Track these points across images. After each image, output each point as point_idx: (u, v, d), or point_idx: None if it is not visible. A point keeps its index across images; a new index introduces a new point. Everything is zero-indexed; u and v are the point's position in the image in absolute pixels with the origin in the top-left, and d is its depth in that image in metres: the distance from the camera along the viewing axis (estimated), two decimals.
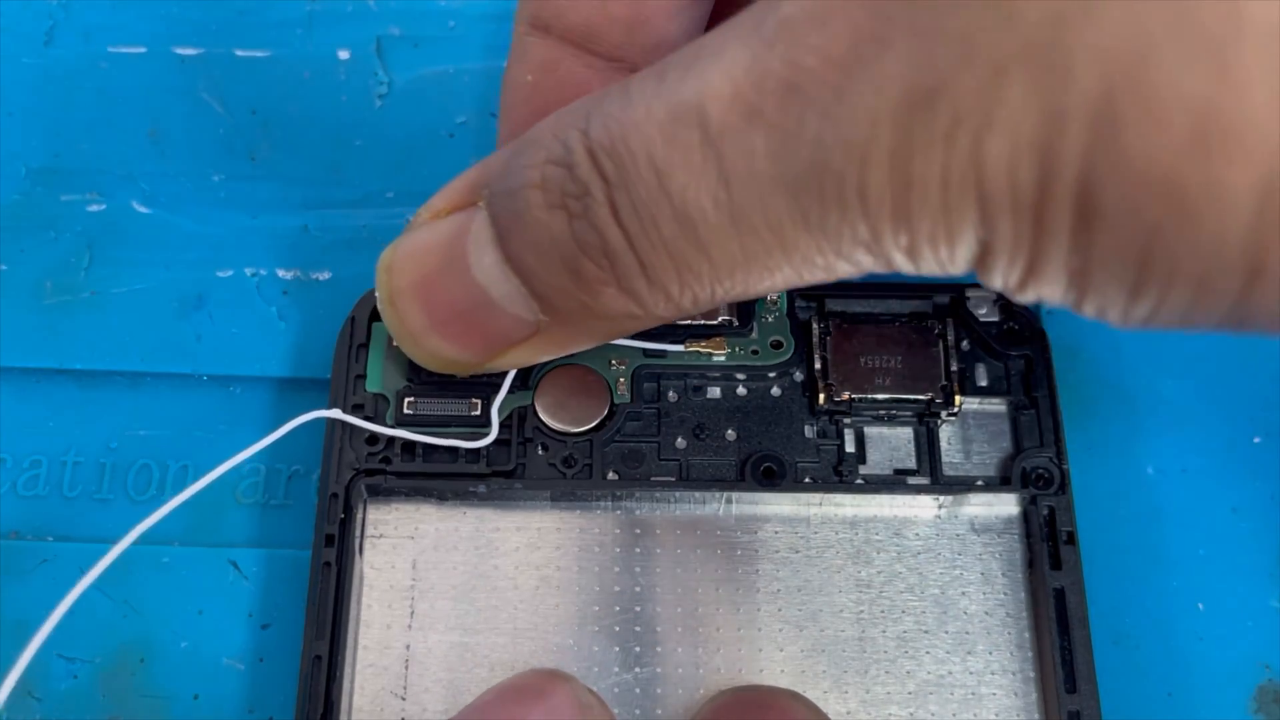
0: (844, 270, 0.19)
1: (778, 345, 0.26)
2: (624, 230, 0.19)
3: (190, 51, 0.30)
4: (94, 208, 0.29)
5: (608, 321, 0.21)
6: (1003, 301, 0.26)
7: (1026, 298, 0.18)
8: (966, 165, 0.16)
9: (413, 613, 0.25)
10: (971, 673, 0.24)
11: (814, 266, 0.19)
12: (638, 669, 0.24)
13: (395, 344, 0.25)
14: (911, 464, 0.26)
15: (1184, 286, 0.16)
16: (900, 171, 0.17)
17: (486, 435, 0.25)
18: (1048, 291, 0.18)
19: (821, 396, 0.25)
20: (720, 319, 0.26)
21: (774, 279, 0.19)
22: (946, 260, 0.18)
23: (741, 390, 0.26)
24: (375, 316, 0.26)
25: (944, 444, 0.26)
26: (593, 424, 0.25)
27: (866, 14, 0.17)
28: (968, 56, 0.16)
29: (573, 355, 0.26)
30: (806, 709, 0.23)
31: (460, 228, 0.22)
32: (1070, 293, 0.17)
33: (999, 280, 0.18)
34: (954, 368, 0.25)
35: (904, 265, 0.18)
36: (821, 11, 0.17)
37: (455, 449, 0.25)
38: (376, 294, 0.23)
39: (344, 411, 0.25)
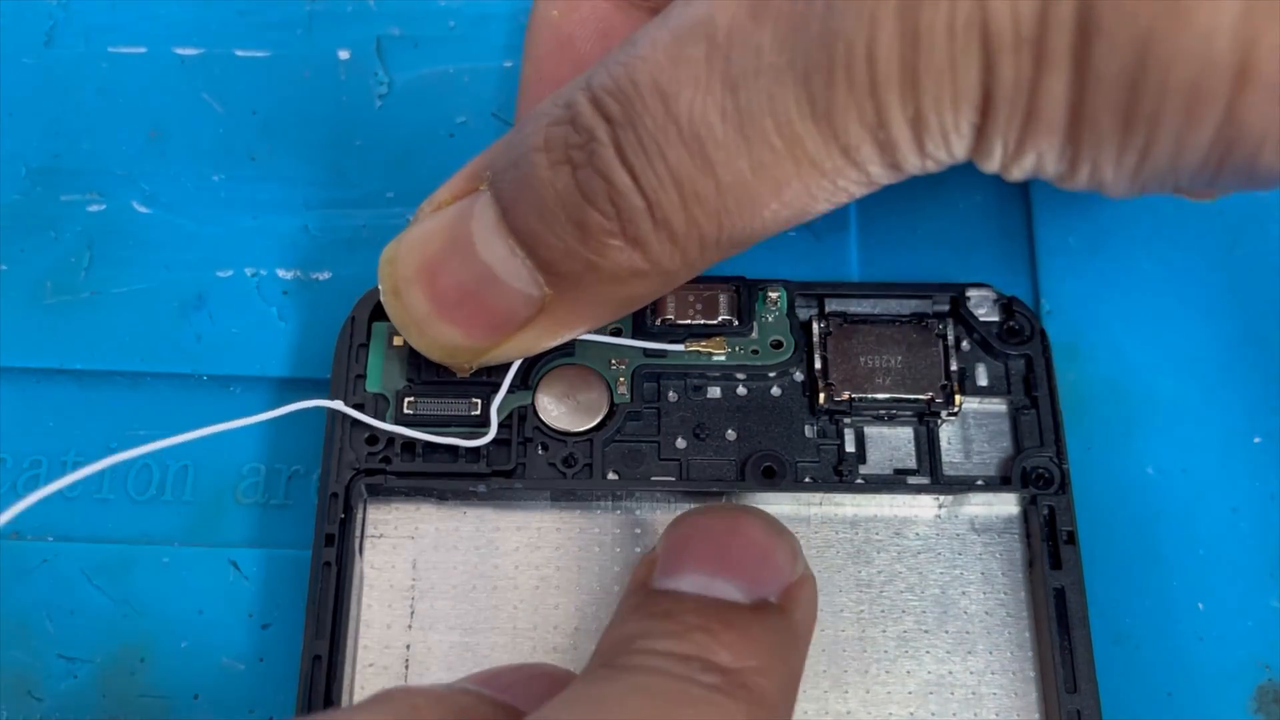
0: (850, 181, 0.19)
1: (778, 345, 0.26)
2: (629, 168, 0.19)
3: (190, 51, 0.30)
4: (94, 208, 0.29)
5: (613, 284, 0.21)
6: (1003, 301, 0.26)
7: (1023, 166, 0.18)
8: (972, 6, 0.17)
9: (413, 613, 0.25)
10: (972, 672, 0.24)
11: (820, 174, 0.19)
12: None
13: (400, 337, 0.25)
14: (912, 464, 0.25)
15: (1176, 101, 0.17)
16: (908, 25, 0.17)
17: (486, 434, 0.25)
18: (1045, 147, 0.18)
19: (822, 396, 0.25)
20: (720, 318, 0.26)
21: (781, 199, 0.19)
22: (950, 128, 0.18)
23: (741, 390, 0.26)
24: (375, 316, 0.26)
25: (944, 444, 0.26)
26: (593, 424, 0.25)
27: None
28: None
29: (572, 356, 0.26)
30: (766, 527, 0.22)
31: (463, 212, 0.22)
32: (1066, 146, 0.18)
33: (997, 148, 0.18)
34: (954, 368, 0.25)
35: (908, 152, 0.18)
36: None
37: (455, 449, 0.25)
38: (380, 287, 0.23)
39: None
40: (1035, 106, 0.17)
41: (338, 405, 0.25)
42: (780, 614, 0.20)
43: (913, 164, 0.19)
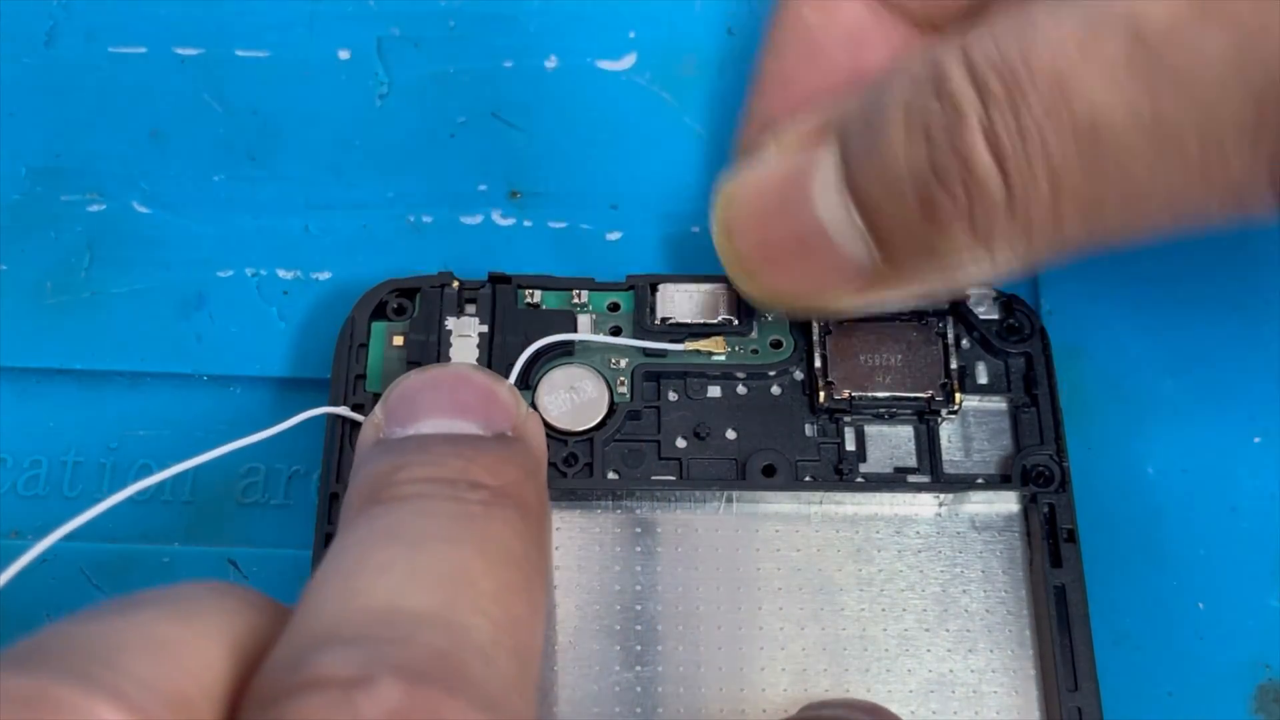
0: (1262, 209, 0.18)
1: (777, 344, 0.26)
2: (997, 151, 0.18)
3: (190, 51, 0.30)
4: (94, 208, 0.29)
5: (945, 269, 0.20)
6: (1003, 299, 0.26)
7: None
8: None
9: None
10: (972, 671, 0.24)
11: (1234, 199, 0.18)
12: (638, 668, 0.24)
13: (400, 337, 0.26)
14: (912, 462, 0.26)
15: None
16: None
17: None
18: None
19: (821, 395, 0.25)
20: (720, 318, 0.26)
21: (1172, 213, 0.18)
22: None
23: (741, 389, 0.26)
24: (375, 316, 0.26)
25: (944, 442, 0.26)
26: (593, 423, 0.25)
27: None
28: None
29: (573, 356, 0.26)
30: None
31: (806, 163, 0.21)
32: None
33: None
34: (954, 366, 0.25)
35: None
36: None
37: None
38: (712, 224, 0.23)
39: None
40: None
41: (344, 411, 0.25)
42: (520, 442, 0.20)
43: None
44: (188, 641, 0.16)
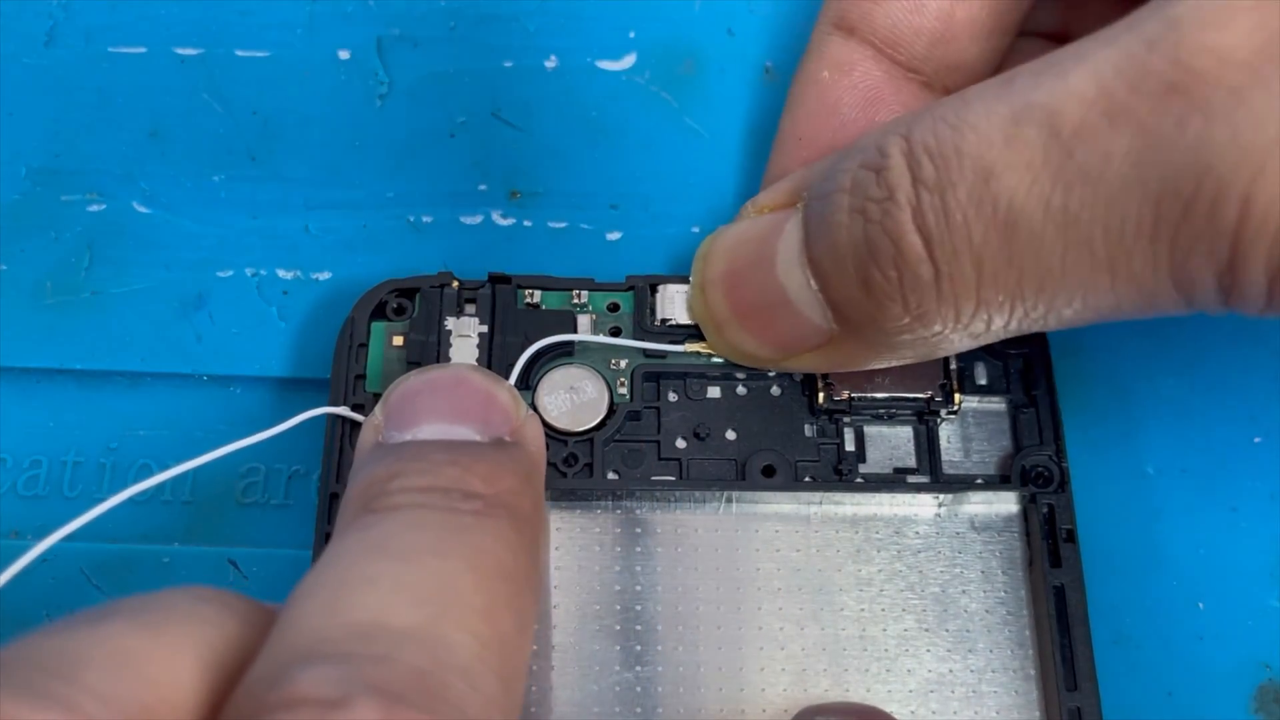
0: (1168, 305, 0.18)
1: None
2: (925, 235, 0.19)
3: (190, 51, 0.30)
4: (94, 208, 0.29)
5: (892, 342, 0.21)
6: None
7: None
8: None
9: None
10: (972, 671, 0.24)
11: (1137, 292, 0.18)
12: (638, 668, 0.24)
13: (400, 337, 0.26)
14: (911, 462, 0.26)
15: None
16: None
17: None
18: None
19: (821, 396, 0.25)
20: None
21: (1084, 303, 0.19)
22: None
23: (741, 390, 0.26)
24: (375, 316, 0.26)
25: (944, 442, 0.26)
26: (593, 423, 0.25)
27: None
28: None
29: (573, 356, 0.26)
30: None
31: (774, 227, 0.22)
32: None
33: None
34: (953, 366, 0.25)
35: (1256, 298, 0.18)
36: (1222, 14, 0.16)
37: None
38: (690, 279, 0.25)
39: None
40: None
41: (344, 411, 0.25)
42: (517, 447, 0.21)
43: (1253, 309, 0.18)
44: (153, 654, 0.16)
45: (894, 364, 0.23)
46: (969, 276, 0.19)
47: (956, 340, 0.21)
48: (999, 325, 0.20)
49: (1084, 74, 0.18)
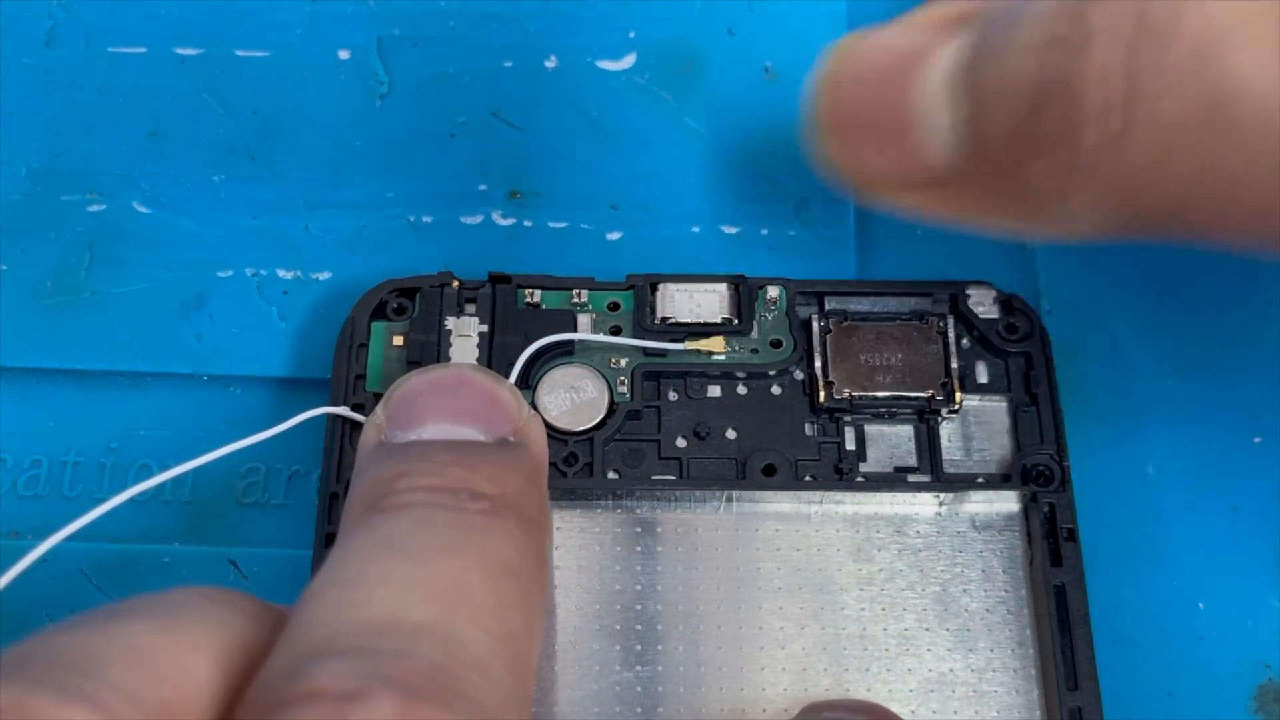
0: None
1: (777, 344, 0.26)
2: (1107, 99, 0.17)
3: (190, 51, 0.30)
4: (94, 208, 0.29)
5: (1018, 199, 0.19)
6: (1003, 298, 0.26)
7: None
8: None
9: None
10: (973, 670, 0.24)
11: None
12: (638, 668, 0.24)
13: (400, 337, 0.26)
14: (912, 461, 0.26)
15: None
16: None
17: None
18: None
19: (822, 395, 0.25)
20: (720, 318, 0.26)
21: (1260, 224, 0.17)
22: None
23: (741, 389, 0.26)
24: (375, 316, 0.26)
25: (944, 441, 0.26)
26: (593, 423, 0.25)
27: None
28: None
29: (573, 356, 0.26)
30: None
31: (929, 45, 0.20)
32: None
33: None
34: (954, 365, 0.25)
35: None
36: None
37: None
38: (815, 77, 0.22)
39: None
40: None
41: (344, 411, 0.25)
42: (521, 447, 0.21)
43: None
44: (171, 651, 0.16)
45: (988, 225, 0.21)
46: (1160, 142, 0.17)
47: (1082, 224, 0.19)
48: (1154, 219, 0.18)
49: None
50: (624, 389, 0.26)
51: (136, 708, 0.14)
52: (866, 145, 0.22)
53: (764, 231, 0.29)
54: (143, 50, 0.30)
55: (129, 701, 0.14)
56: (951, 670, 0.24)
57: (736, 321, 0.26)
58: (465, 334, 0.26)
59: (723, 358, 0.26)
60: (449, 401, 0.21)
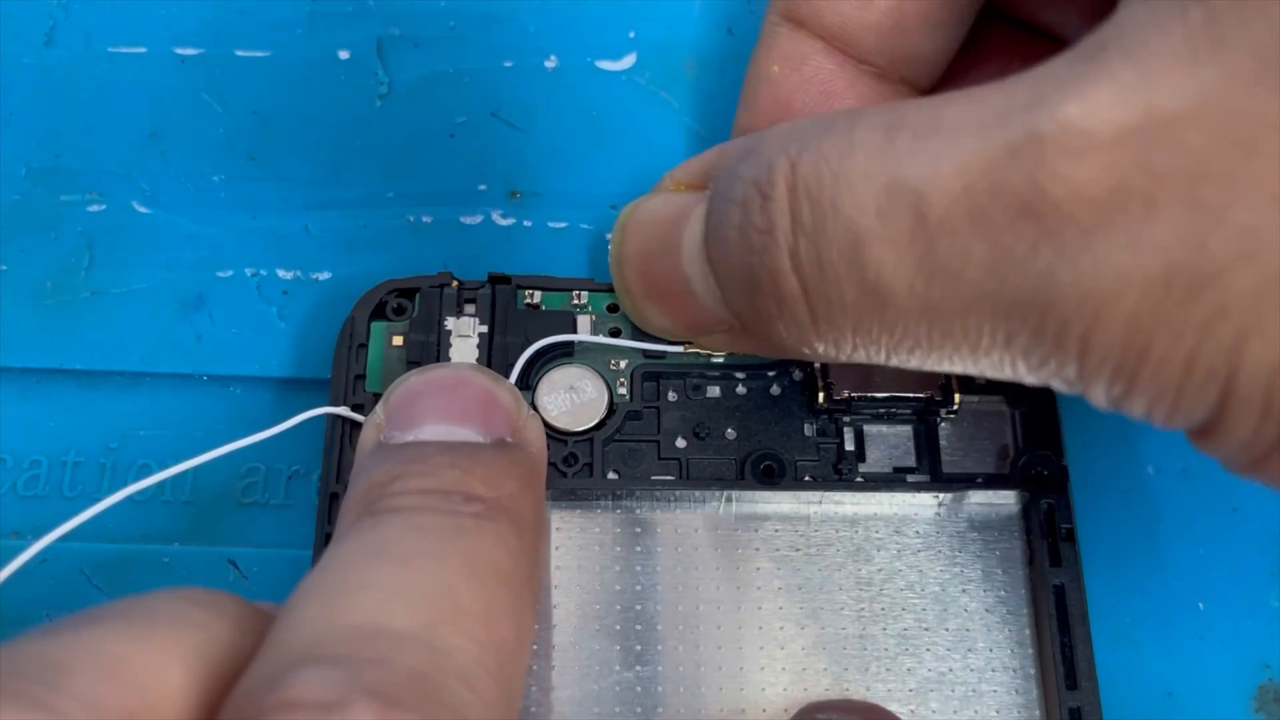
0: (1028, 381, 0.18)
1: None
2: (801, 281, 0.19)
3: (190, 51, 0.30)
4: (94, 208, 0.29)
5: (779, 348, 0.21)
6: None
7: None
8: (1219, 359, 0.16)
9: None
10: (972, 670, 0.24)
11: (998, 371, 0.18)
12: (638, 667, 0.24)
13: (400, 337, 0.26)
14: (911, 462, 0.26)
15: None
16: (1136, 340, 0.16)
17: None
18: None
19: (821, 395, 0.25)
20: None
21: (951, 366, 0.19)
22: (1158, 419, 0.17)
23: (741, 389, 0.26)
24: (375, 316, 0.26)
25: (943, 442, 0.26)
26: (593, 423, 0.25)
27: (1135, 167, 0.16)
28: (1250, 254, 0.15)
29: (572, 356, 0.26)
30: None
31: (683, 211, 0.22)
32: None
33: (1223, 449, 0.17)
34: None
35: (1102, 405, 0.18)
36: (1080, 146, 0.16)
37: None
38: (609, 248, 0.25)
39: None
40: (1269, 452, 0.17)
41: (343, 411, 0.25)
42: (519, 448, 0.21)
43: (1104, 409, 0.18)
44: (141, 658, 0.15)
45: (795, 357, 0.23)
46: (843, 326, 0.19)
47: (847, 358, 0.21)
48: (880, 359, 0.20)
49: (953, 163, 0.17)
50: (624, 390, 0.26)
51: (96, 716, 0.14)
52: (657, 307, 0.24)
53: None
54: (143, 50, 0.30)
55: (91, 710, 0.14)
56: (950, 670, 0.24)
57: None
58: (465, 334, 0.26)
59: (722, 358, 0.26)
60: (447, 401, 0.21)
